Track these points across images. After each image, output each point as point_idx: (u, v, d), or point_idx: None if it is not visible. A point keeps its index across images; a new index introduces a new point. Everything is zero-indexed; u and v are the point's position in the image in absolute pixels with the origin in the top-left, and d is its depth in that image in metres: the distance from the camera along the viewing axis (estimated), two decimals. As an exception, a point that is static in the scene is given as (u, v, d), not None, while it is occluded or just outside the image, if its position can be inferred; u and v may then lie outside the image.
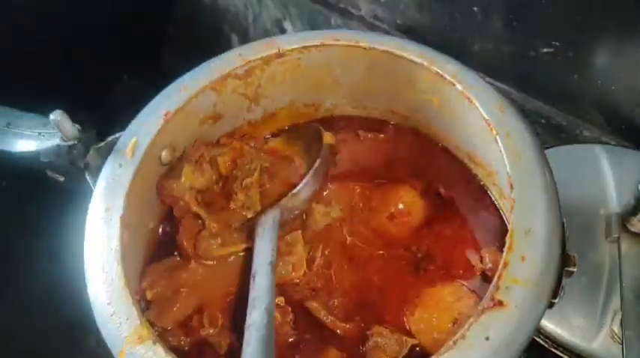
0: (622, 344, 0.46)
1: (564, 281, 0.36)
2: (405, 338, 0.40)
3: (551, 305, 0.36)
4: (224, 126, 0.50)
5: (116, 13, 0.77)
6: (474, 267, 0.43)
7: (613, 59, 0.57)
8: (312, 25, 0.77)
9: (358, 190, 0.48)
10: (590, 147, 0.60)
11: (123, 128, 0.45)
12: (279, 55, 0.48)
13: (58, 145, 0.42)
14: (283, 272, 0.43)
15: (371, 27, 0.72)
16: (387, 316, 0.42)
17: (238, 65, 0.47)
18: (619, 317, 0.48)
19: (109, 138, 0.44)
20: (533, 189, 0.39)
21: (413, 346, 0.40)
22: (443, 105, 0.47)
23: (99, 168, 0.43)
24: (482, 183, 0.48)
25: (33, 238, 0.65)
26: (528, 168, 0.39)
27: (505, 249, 0.36)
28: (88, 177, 0.43)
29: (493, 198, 0.47)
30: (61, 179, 0.44)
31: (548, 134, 0.65)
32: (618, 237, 0.51)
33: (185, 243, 0.45)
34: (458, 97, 0.44)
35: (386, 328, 0.40)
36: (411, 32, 0.68)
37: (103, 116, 0.76)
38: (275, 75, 0.49)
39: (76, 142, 0.42)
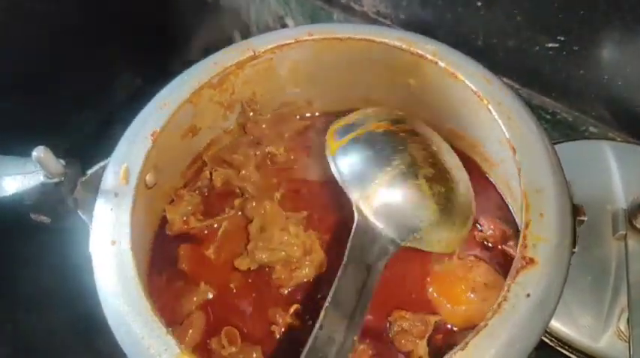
0: (629, 342, 0.45)
1: (578, 230, 0.39)
2: (427, 316, 0.40)
3: (571, 255, 0.38)
4: (202, 138, 0.49)
5: (116, 10, 0.77)
6: (474, 237, 0.44)
7: (619, 54, 0.56)
8: (314, 21, 0.77)
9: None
10: (596, 144, 0.59)
11: (122, 127, 0.44)
12: (253, 58, 0.47)
13: (42, 184, 0.39)
14: (305, 271, 0.43)
15: (374, 23, 0.71)
16: (404, 299, 0.42)
17: (213, 74, 0.46)
18: (626, 315, 0.47)
19: (94, 168, 0.41)
20: (535, 150, 0.40)
21: (437, 323, 0.41)
22: (423, 85, 0.48)
23: (90, 202, 0.40)
24: (468, 155, 0.49)
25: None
26: (525, 131, 0.41)
27: (522, 210, 0.38)
28: (80, 213, 0.40)
29: (482, 169, 0.48)
30: (47, 221, 0.41)
31: (555, 130, 0.65)
32: (625, 234, 0.51)
33: (187, 268, 0.44)
34: (441, 75, 0.45)
35: (407, 311, 0.41)
36: (414, 27, 0.68)
37: (104, 115, 0.77)
38: (249, 78, 0.48)
39: (62, 179, 0.39)
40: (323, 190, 0.48)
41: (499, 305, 0.34)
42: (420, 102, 0.49)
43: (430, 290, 0.42)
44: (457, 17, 0.63)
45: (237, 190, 0.48)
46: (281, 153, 0.50)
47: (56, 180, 0.39)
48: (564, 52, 0.59)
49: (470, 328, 0.38)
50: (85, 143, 0.74)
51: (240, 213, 0.47)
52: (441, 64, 0.45)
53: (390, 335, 0.40)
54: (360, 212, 0.40)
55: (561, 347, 0.49)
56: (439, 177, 0.42)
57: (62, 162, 0.39)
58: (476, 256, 0.43)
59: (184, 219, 0.46)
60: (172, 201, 0.47)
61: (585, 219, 0.40)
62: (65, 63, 0.71)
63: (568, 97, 0.63)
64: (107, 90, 0.81)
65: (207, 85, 0.46)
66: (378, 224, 0.40)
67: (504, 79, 0.62)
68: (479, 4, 0.60)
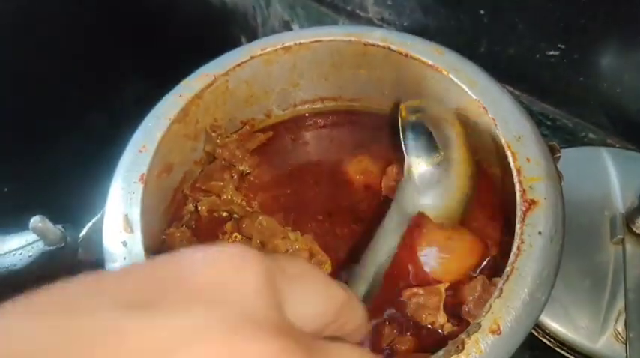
0: (626, 344, 0.47)
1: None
2: (435, 286, 0.42)
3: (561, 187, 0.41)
4: (176, 174, 0.49)
5: (123, 13, 0.78)
6: None
7: (618, 62, 0.57)
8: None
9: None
10: (595, 150, 0.60)
11: (130, 130, 0.45)
12: (211, 84, 0.48)
13: (45, 253, 0.38)
14: None
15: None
16: (406, 277, 0.43)
17: (180, 108, 0.46)
18: (623, 317, 0.48)
19: (88, 225, 0.40)
20: (503, 104, 0.43)
21: (446, 290, 0.42)
22: (375, 72, 0.50)
23: (93, 261, 0.39)
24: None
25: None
26: (489, 89, 0.44)
27: (510, 158, 0.40)
28: None
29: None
30: None
31: (554, 136, 0.66)
32: (623, 239, 0.52)
33: None
34: (394, 58, 0.48)
35: (416, 286, 0.42)
36: (417, 34, 0.69)
37: (109, 117, 0.78)
38: (208, 105, 0.49)
39: (62, 244, 0.38)
40: (299, 192, 0.50)
41: (518, 248, 0.36)
42: (376, 90, 0.52)
43: (426, 260, 0.43)
44: (460, 25, 0.65)
45: (225, 214, 0.49)
46: (254, 169, 0.51)
47: (57, 246, 0.38)
48: (564, 60, 0.60)
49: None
50: (93, 144, 0.75)
51: (236, 234, 0.47)
52: (393, 47, 0.47)
53: (409, 313, 0.41)
54: (409, 172, 0.45)
55: (560, 348, 0.50)
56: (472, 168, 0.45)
57: (60, 227, 0.38)
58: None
59: None
60: (163, 242, 0.46)
61: (560, 155, 0.43)
62: (68, 66, 0.72)
63: (568, 104, 0.64)
64: (112, 95, 0.82)
65: (175, 121, 0.46)
66: (419, 187, 0.44)
67: (505, 86, 0.63)
68: (482, 12, 0.62)
